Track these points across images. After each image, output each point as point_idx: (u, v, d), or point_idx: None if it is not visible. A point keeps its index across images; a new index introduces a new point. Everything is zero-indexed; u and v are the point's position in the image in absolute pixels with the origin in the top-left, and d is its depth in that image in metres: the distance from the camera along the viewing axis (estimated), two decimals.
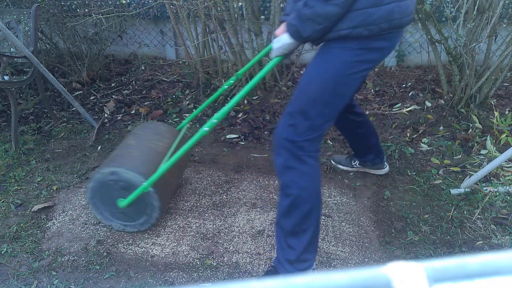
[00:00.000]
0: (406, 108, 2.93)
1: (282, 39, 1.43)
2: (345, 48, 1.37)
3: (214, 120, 1.55)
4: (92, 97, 3.39)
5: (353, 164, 2.27)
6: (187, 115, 3.02)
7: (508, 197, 2.00)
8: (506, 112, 2.77)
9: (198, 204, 2.08)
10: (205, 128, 1.56)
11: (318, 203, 1.51)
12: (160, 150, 1.87)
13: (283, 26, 1.49)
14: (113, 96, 3.39)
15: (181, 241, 1.84)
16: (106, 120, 3.01)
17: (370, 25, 1.30)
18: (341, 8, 1.26)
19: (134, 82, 3.63)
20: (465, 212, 1.93)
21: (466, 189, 2.05)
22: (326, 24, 1.30)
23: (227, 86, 1.99)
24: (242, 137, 2.70)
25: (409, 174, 2.24)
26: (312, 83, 1.44)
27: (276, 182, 2.23)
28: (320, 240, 1.81)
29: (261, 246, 1.80)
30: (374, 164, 2.19)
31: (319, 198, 1.51)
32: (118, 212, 1.82)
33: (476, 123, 2.60)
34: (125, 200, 1.74)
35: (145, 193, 1.71)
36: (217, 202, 2.09)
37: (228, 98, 3.16)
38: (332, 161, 2.36)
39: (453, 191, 2.06)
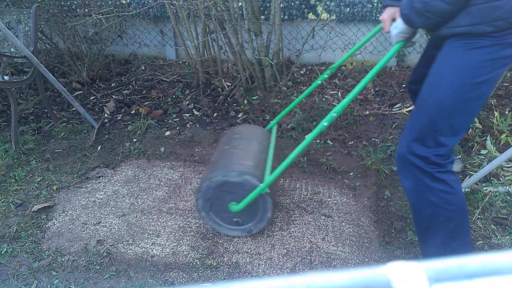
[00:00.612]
0: (406, 108, 2.93)
1: (398, 25, 1.37)
2: (469, 47, 1.23)
3: (333, 114, 1.49)
4: (92, 97, 3.39)
5: None
6: (187, 115, 3.02)
7: (508, 197, 2.00)
8: (506, 112, 2.77)
9: None
10: (324, 123, 1.50)
11: (463, 220, 1.38)
12: (262, 151, 1.84)
13: (388, 11, 1.44)
14: (113, 96, 3.39)
15: (181, 241, 1.84)
16: (106, 120, 3.01)
17: (496, 20, 1.16)
18: (453, 5, 1.17)
19: (134, 82, 3.63)
20: None
21: (466, 189, 2.05)
22: (437, 19, 1.23)
23: (320, 81, 1.94)
24: None
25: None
26: (438, 92, 1.30)
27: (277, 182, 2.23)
28: (320, 240, 1.81)
29: (261, 246, 1.80)
30: None
31: (465, 212, 1.38)
32: (229, 216, 1.78)
33: (476, 123, 2.60)
34: (239, 204, 1.70)
35: (259, 195, 1.66)
36: None
37: (228, 99, 3.16)
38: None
39: None
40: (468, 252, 1.44)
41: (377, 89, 3.25)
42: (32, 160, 2.52)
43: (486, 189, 2.04)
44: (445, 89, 1.28)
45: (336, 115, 1.49)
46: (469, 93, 1.26)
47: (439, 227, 1.38)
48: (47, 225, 1.98)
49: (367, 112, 2.91)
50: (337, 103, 3.02)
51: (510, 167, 2.23)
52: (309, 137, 1.58)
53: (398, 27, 1.38)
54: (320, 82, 1.94)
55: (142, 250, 1.80)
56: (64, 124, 2.98)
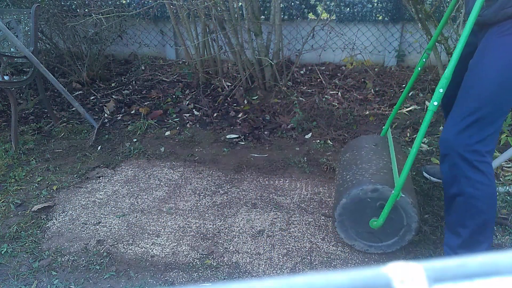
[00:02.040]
0: (406, 108, 2.93)
1: None
2: None
3: (440, 90, 1.35)
4: (92, 97, 3.39)
5: None
6: (187, 115, 3.02)
7: (508, 197, 2.00)
8: None
9: (198, 204, 2.08)
10: (434, 102, 1.36)
11: (493, 214, 1.38)
12: (384, 159, 1.77)
13: None
14: (113, 96, 3.39)
15: (181, 241, 1.84)
16: (106, 120, 3.01)
17: None
18: None
19: (134, 82, 3.63)
20: None
21: None
22: None
23: (420, 68, 1.86)
24: (242, 137, 2.70)
25: (409, 174, 2.24)
26: (485, 78, 1.28)
27: (277, 182, 2.23)
28: (320, 240, 1.81)
29: (261, 246, 1.80)
30: None
31: (495, 208, 1.38)
32: (365, 232, 1.68)
33: None
34: (378, 219, 1.59)
35: (399, 209, 1.58)
36: (217, 202, 2.09)
37: (228, 99, 3.16)
38: (424, 173, 2.16)
39: None
40: (488, 248, 1.44)
41: (377, 89, 3.25)
42: (32, 160, 2.52)
43: None
44: (495, 75, 1.26)
45: (442, 90, 1.35)
46: None
47: (472, 219, 1.37)
48: (47, 225, 1.98)
49: (367, 112, 2.91)
50: (337, 103, 3.02)
51: (510, 167, 2.23)
52: (423, 125, 1.41)
53: None
54: (420, 68, 1.86)
55: (142, 250, 1.80)
56: (64, 124, 2.98)
